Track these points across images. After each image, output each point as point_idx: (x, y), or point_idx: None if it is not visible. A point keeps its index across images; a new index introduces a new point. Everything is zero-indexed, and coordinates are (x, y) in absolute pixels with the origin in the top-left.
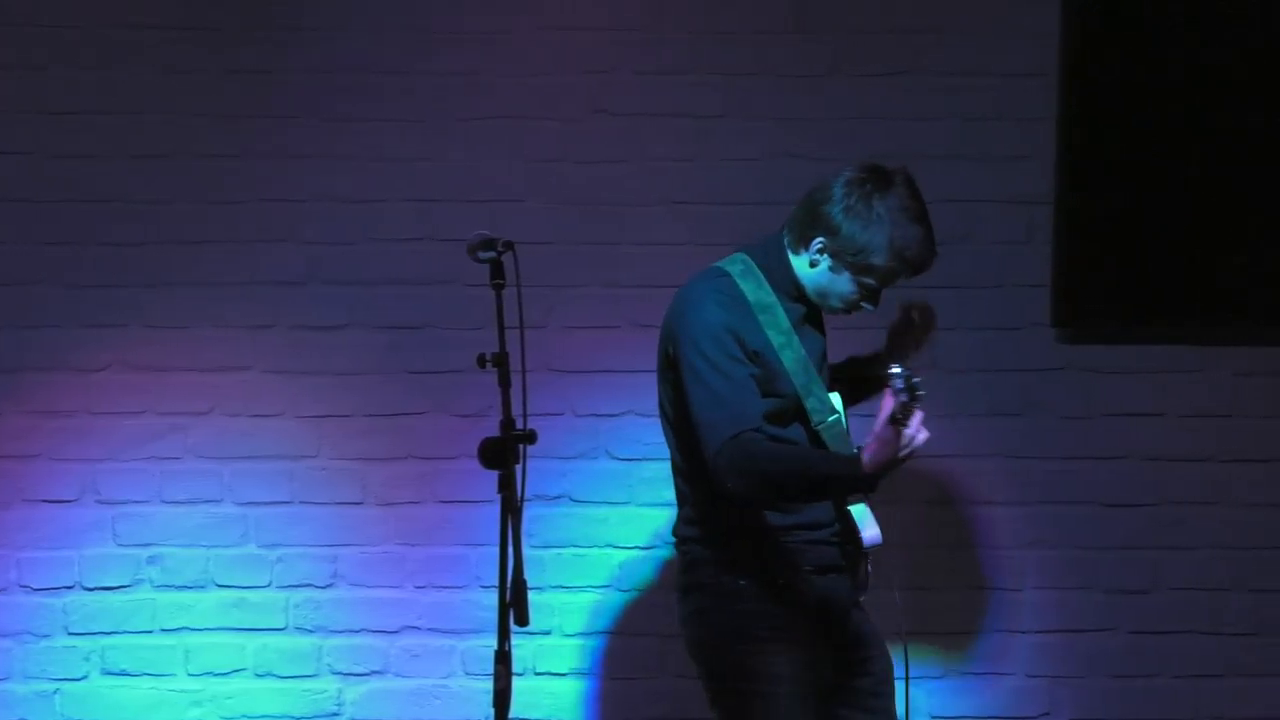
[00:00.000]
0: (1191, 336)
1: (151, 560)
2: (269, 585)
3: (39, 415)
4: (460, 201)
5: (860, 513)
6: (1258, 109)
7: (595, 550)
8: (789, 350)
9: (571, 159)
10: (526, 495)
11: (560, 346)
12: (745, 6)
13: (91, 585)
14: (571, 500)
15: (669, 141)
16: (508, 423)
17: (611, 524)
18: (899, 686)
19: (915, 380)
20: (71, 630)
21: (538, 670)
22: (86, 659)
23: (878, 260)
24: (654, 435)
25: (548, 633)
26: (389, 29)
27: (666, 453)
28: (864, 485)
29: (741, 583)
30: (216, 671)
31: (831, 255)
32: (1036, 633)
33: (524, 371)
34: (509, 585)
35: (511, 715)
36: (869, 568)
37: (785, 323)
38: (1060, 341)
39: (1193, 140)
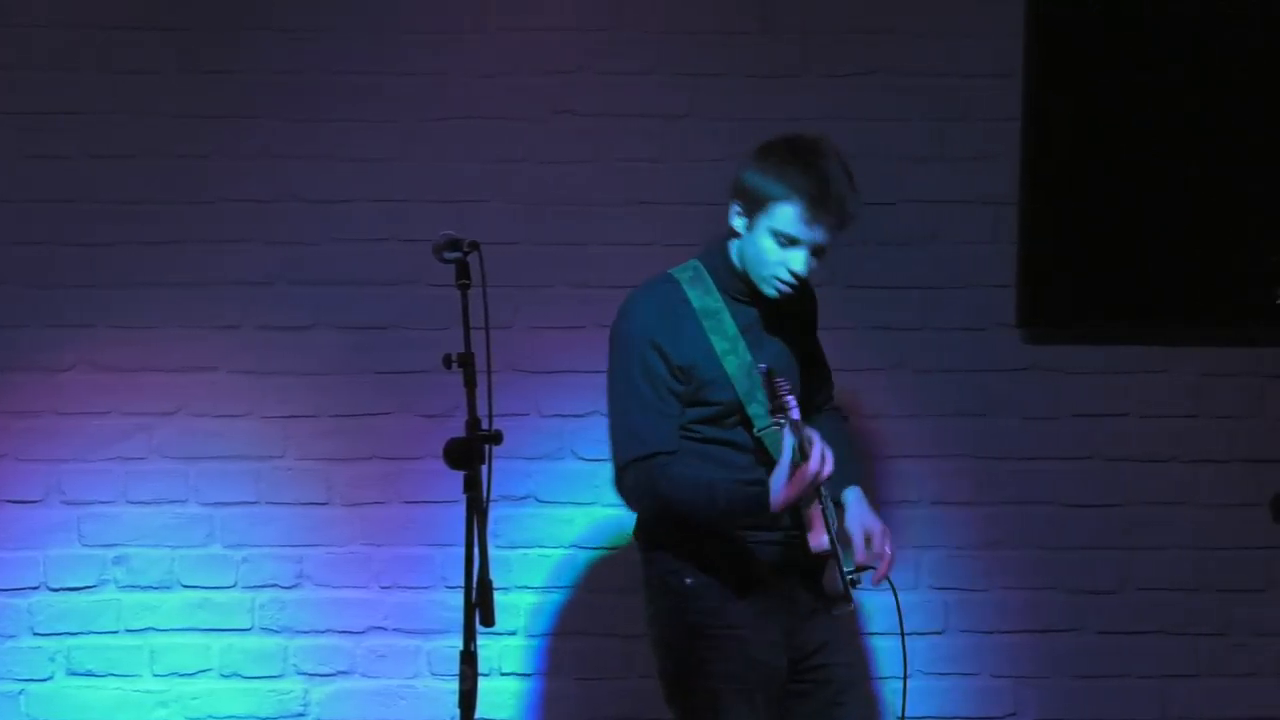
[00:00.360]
0: (1156, 337)
1: (117, 561)
2: (234, 586)
3: (4, 415)
4: (426, 202)
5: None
6: (1222, 108)
7: (560, 551)
8: (733, 357)
9: (536, 159)
10: (492, 496)
11: (526, 347)
12: (711, 7)
13: (57, 586)
14: (537, 501)
15: (635, 142)
16: (473, 423)
17: (577, 524)
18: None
19: (797, 428)
20: (37, 631)
21: (503, 671)
22: (52, 659)
23: (781, 200)
24: None
25: (513, 633)
26: (356, 30)
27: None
28: (770, 518)
29: (688, 581)
30: (182, 672)
31: (745, 215)
32: (1002, 633)
33: (490, 372)
34: (474, 585)
35: (477, 716)
36: (844, 575)
37: (732, 329)
38: (1025, 342)
39: (1157, 140)
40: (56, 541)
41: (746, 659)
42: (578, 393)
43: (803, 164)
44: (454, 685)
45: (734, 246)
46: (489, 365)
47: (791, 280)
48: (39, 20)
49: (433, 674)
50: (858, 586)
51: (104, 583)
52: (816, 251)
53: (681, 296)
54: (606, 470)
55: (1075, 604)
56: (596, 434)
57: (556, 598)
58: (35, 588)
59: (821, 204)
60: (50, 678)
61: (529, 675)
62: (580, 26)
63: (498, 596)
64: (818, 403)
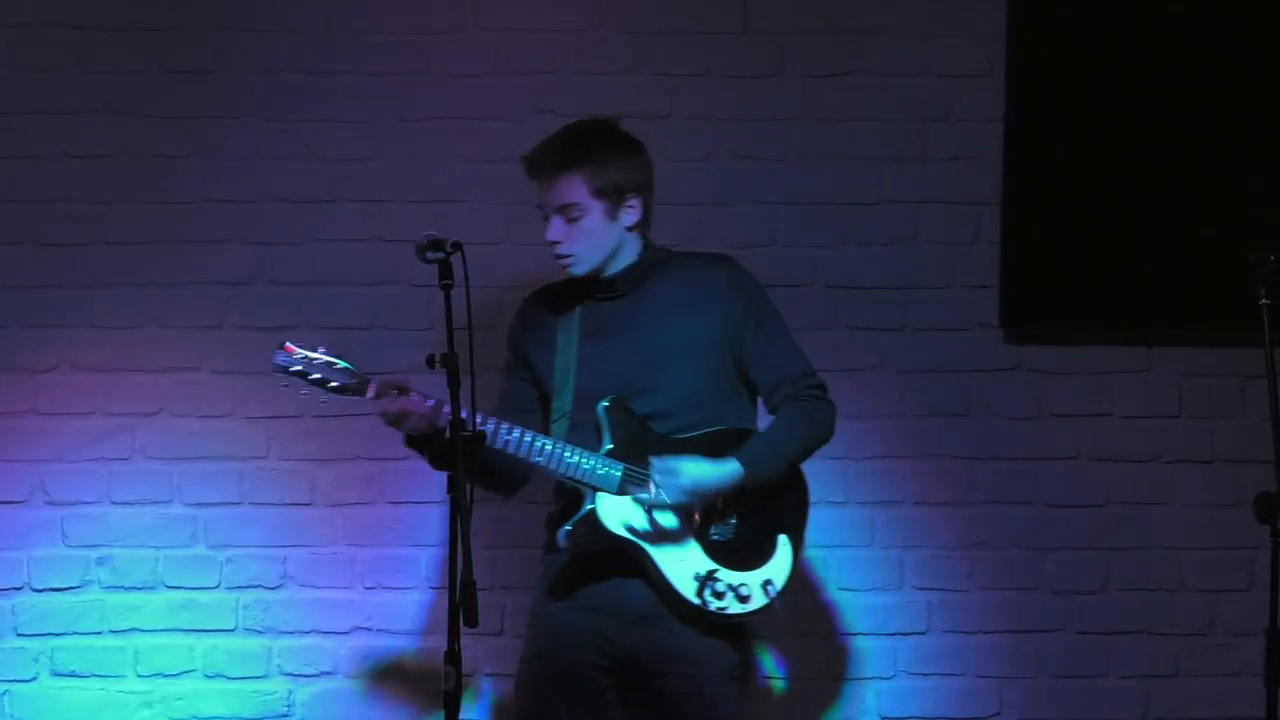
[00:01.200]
0: (1138, 337)
1: (100, 561)
2: (218, 586)
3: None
4: (407, 202)
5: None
6: (1203, 108)
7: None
8: (563, 355)
9: (517, 159)
10: (476, 496)
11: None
12: (692, 7)
13: (40, 586)
14: (523, 500)
15: None
16: (457, 424)
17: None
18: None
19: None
20: (20, 631)
21: (488, 671)
22: (35, 660)
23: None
24: None
25: (498, 633)
26: (335, 29)
27: None
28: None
29: (541, 568)
30: (166, 673)
31: None
32: (986, 633)
33: (473, 372)
34: (458, 586)
35: (461, 716)
36: (696, 584)
37: (575, 329)
38: (1007, 342)
39: (1138, 141)
40: (40, 542)
41: (545, 651)
42: None
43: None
44: (438, 686)
45: None
46: (472, 365)
47: (557, 251)
48: (14, 20)
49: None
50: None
51: (88, 583)
52: (562, 211)
53: (556, 296)
54: None
55: (1058, 604)
56: None
57: None
58: (19, 588)
59: (531, 160)
60: (34, 678)
61: (513, 676)
62: (561, 27)
63: (482, 596)
64: (772, 404)
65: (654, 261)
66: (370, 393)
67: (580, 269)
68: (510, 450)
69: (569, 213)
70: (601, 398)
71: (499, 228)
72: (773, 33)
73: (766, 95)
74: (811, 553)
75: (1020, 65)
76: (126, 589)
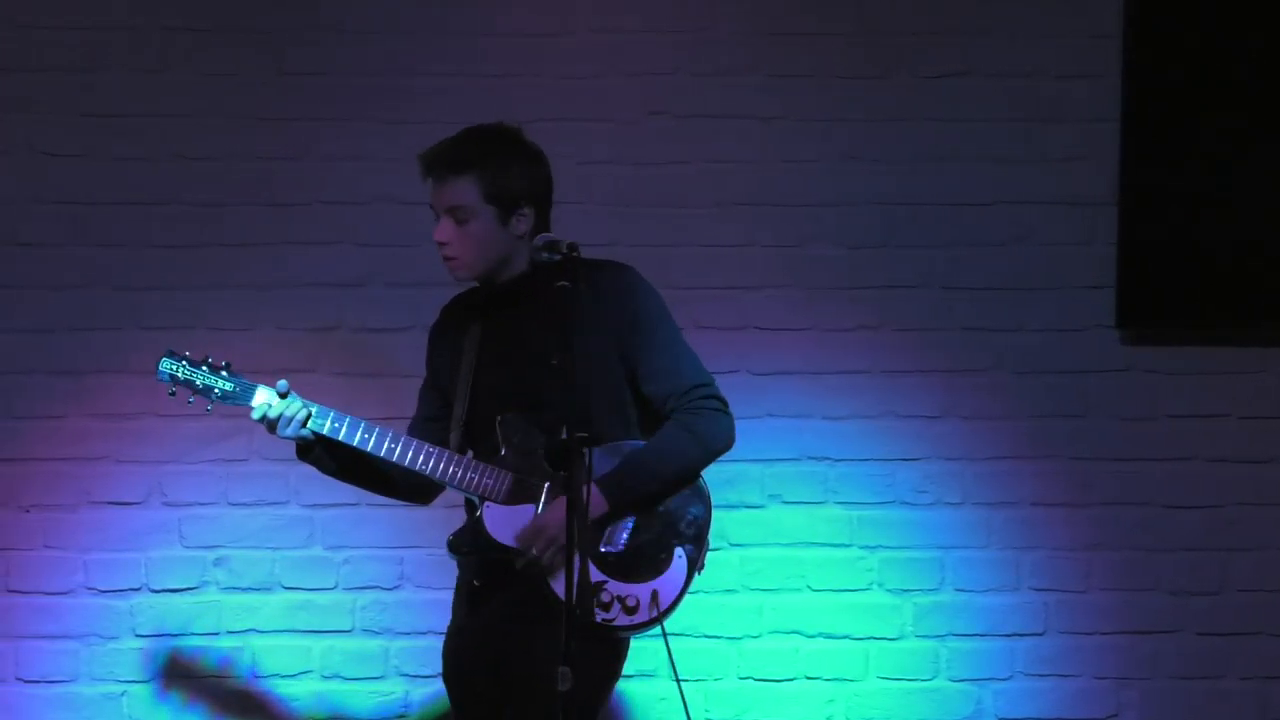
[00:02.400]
0: (1255, 337)
1: (218, 562)
2: (335, 587)
3: (103, 418)
4: None
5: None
6: None
7: None
8: (464, 360)
9: (629, 161)
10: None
11: None
12: (805, 8)
13: (158, 587)
14: None
15: (727, 143)
16: (573, 425)
17: None
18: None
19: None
20: (138, 632)
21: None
22: (153, 660)
23: None
24: None
25: None
26: (445, 31)
27: (731, 454)
28: None
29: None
30: (283, 674)
31: None
32: (1102, 634)
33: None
34: (574, 587)
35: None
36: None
37: (476, 335)
38: (1123, 343)
39: (1257, 139)
40: (157, 543)
41: (450, 657)
42: None
43: None
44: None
45: None
46: (590, 367)
47: (442, 252)
48: (128, 23)
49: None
50: None
51: (205, 584)
52: (451, 213)
53: (466, 302)
54: (707, 471)
55: (1175, 605)
56: None
57: None
58: (136, 589)
59: (424, 161)
60: (152, 679)
61: (630, 676)
62: (673, 28)
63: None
64: (664, 417)
65: (549, 271)
66: (255, 399)
67: (465, 273)
68: (394, 459)
69: (458, 215)
70: (495, 407)
71: (611, 229)
72: (886, 33)
73: (880, 96)
74: (928, 554)
75: (1135, 64)
76: (243, 590)
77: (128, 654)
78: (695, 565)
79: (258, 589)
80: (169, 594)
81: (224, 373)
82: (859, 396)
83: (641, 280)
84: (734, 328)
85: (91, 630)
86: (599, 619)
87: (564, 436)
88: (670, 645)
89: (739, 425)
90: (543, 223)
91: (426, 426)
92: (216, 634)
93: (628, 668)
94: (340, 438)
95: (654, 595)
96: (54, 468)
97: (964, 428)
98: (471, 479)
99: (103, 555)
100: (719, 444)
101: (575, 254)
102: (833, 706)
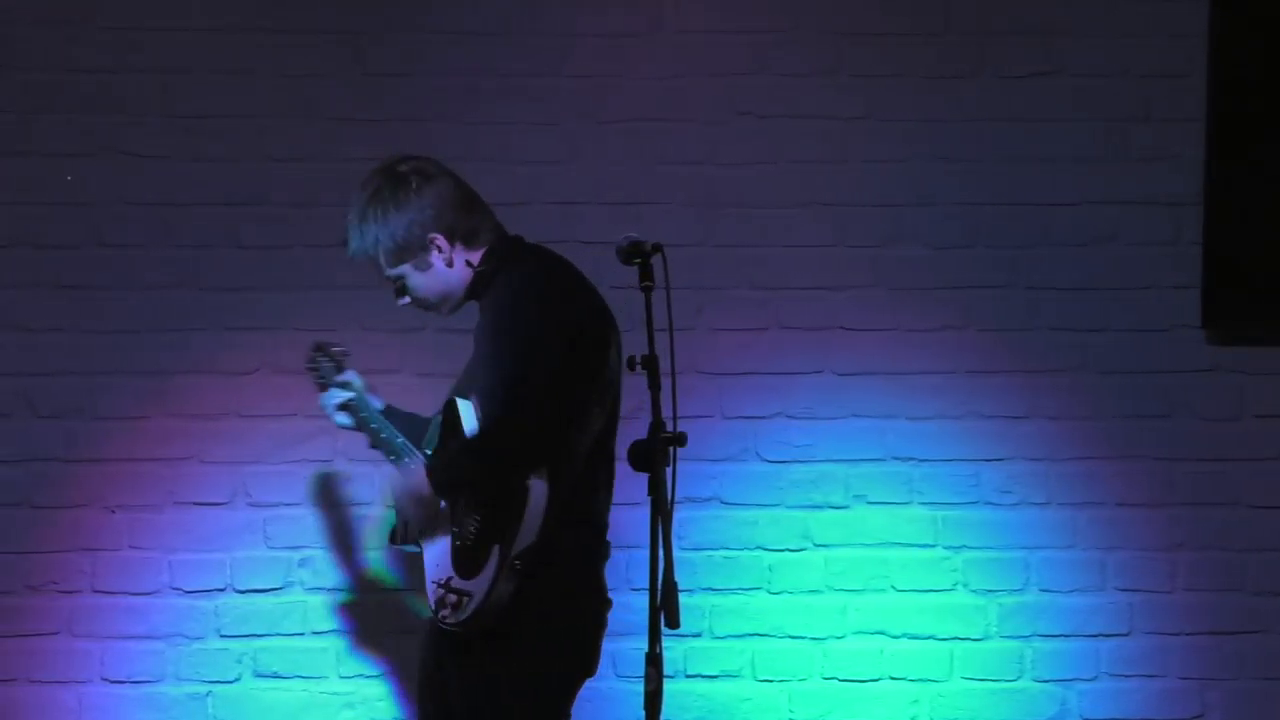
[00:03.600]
0: None
1: (303, 563)
2: (412, 588)
3: (188, 419)
4: (603, 204)
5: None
6: None
7: (745, 552)
8: None
9: (715, 161)
10: (676, 497)
11: (709, 348)
12: (890, 8)
13: (243, 588)
14: (721, 502)
15: (813, 143)
16: (657, 425)
17: (761, 526)
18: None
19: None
20: (223, 632)
21: (688, 672)
22: (238, 661)
23: None
24: (804, 437)
25: (698, 635)
26: (529, 32)
27: (817, 455)
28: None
29: None
30: (368, 674)
31: None
32: (1187, 634)
33: (673, 374)
34: (659, 587)
35: (662, 717)
36: (439, 594)
37: None
38: (1208, 343)
39: None
40: (242, 543)
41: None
42: (761, 394)
43: None
44: (639, 687)
45: None
46: (673, 367)
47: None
48: (211, 24)
49: (618, 676)
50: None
51: (290, 584)
52: (392, 283)
53: None
54: (790, 471)
55: (1261, 606)
56: (781, 435)
57: (741, 599)
58: (221, 589)
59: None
60: (237, 679)
61: (714, 677)
62: (758, 28)
63: (682, 598)
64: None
65: (493, 272)
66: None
67: (446, 312)
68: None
69: (395, 284)
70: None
71: (698, 229)
72: (971, 33)
73: (965, 96)
74: (1013, 554)
75: (1222, 64)
76: (328, 590)
77: (213, 654)
78: (504, 566)
79: (342, 590)
80: (254, 594)
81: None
82: (943, 397)
83: (527, 296)
84: (818, 328)
85: (177, 631)
86: (440, 615)
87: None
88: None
89: (823, 425)
90: (467, 231)
91: None
92: (301, 634)
93: (711, 668)
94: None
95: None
96: (139, 468)
97: (1048, 428)
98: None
99: (188, 556)
100: (490, 473)
101: (659, 255)
102: (917, 707)
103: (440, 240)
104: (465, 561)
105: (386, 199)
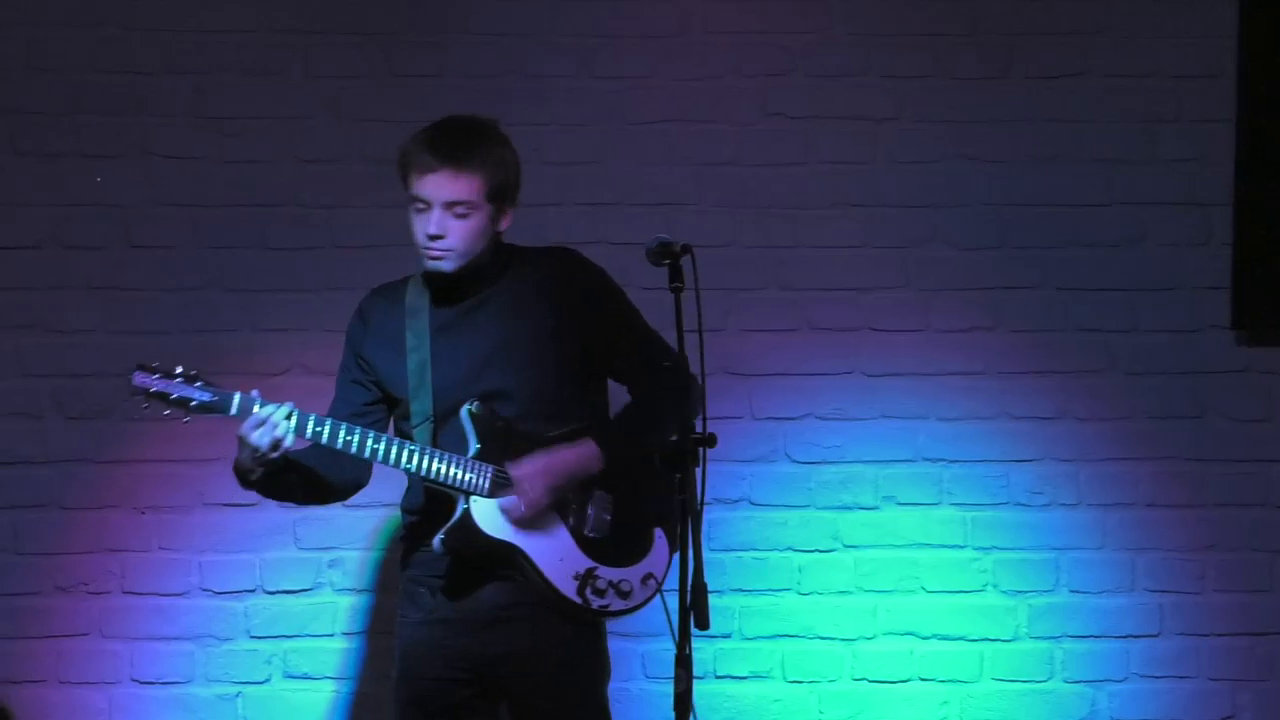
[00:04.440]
0: None
1: (332, 564)
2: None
3: (218, 420)
4: (633, 205)
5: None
6: None
7: (775, 553)
8: (415, 354)
9: (745, 162)
10: (706, 498)
11: (739, 349)
12: (920, 9)
13: (273, 589)
14: (751, 503)
15: (843, 144)
16: (688, 426)
17: (791, 527)
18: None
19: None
20: (253, 633)
21: (718, 673)
22: (268, 662)
23: (403, 168)
24: (833, 438)
25: (728, 636)
26: (560, 33)
27: (847, 455)
28: (241, 481)
29: (400, 592)
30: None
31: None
32: (1218, 636)
33: (703, 374)
34: (689, 588)
35: (692, 718)
36: (538, 577)
37: (425, 328)
38: (1238, 344)
39: None
40: (272, 545)
41: (404, 674)
42: (790, 395)
43: (423, 128)
44: (668, 688)
45: None
46: (702, 368)
47: (433, 245)
48: (241, 26)
49: (647, 677)
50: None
51: (319, 585)
52: (453, 207)
53: (399, 294)
54: (820, 473)
55: None
56: (810, 436)
57: (771, 600)
58: (251, 590)
59: (430, 152)
60: (267, 680)
61: (744, 678)
62: (789, 29)
63: (711, 599)
64: (629, 385)
65: (504, 261)
66: (234, 409)
67: (451, 266)
68: (380, 459)
69: (456, 210)
70: (459, 398)
71: (728, 230)
72: (1001, 34)
73: (995, 97)
74: (1043, 555)
75: (1252, 64)
76: (358, 591)
77: (242, 655)
78: (674, 543)
79: (372, 590)
80: (284, 595)
81: (199, 383)
82: (973, 398)
83: (591, 261)
84: (849, 328)
85: (206, 632)
86: (595, 606)
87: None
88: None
89: (853, 426)
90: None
91: (351, 421)
92: (331, 635)
93: (741, 669)
94: (324, 441)
95: (646, 577)
96: (168, 469)
97: (1079, 429)
98: (457, 475)
99: (217, 557)
100: (689, 407)
101: (688, 256)
102: (947, 708)
103: (510, 212)
104: (616, 551)
105: (510, 143)
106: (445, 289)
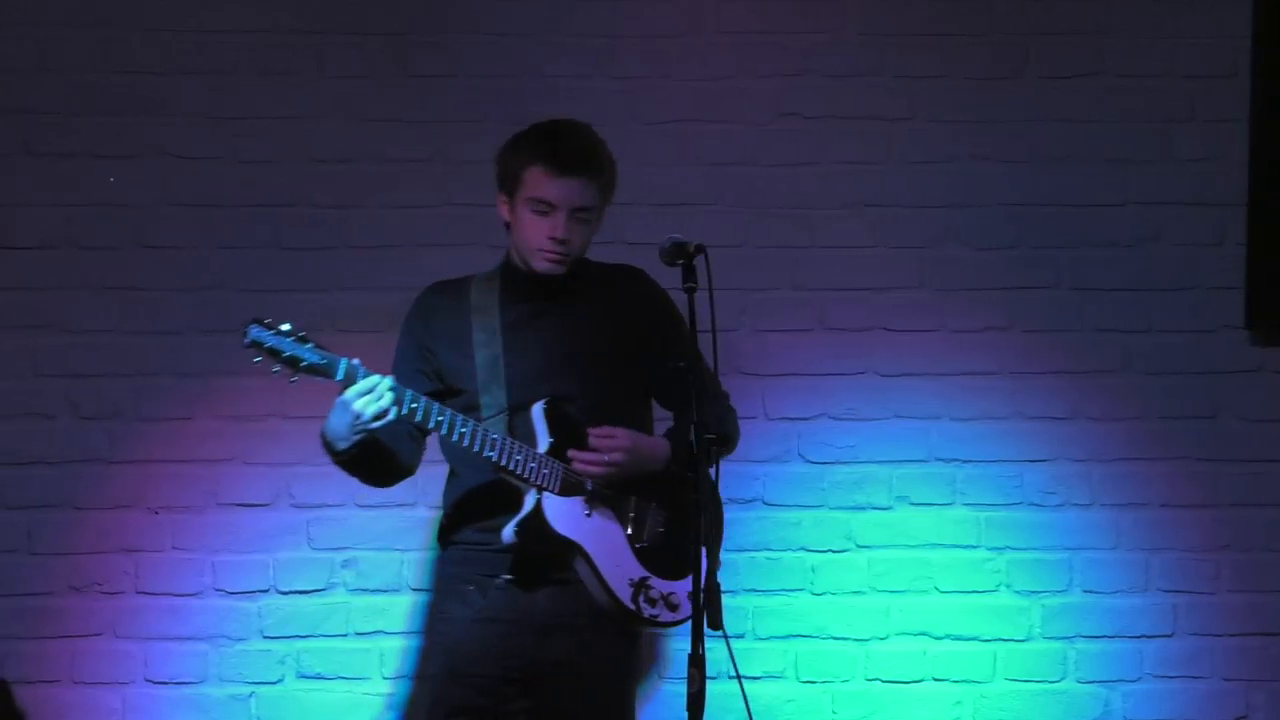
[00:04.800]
0: None
1: (346, 564)
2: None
3: (232, 419)
4: (648, 205)
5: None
6: None
7: (788, 553)
8: (485, 350)
9: (760, 162)
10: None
11: (752, 349)
12: (934, 9)
13: (286, 589)
14: (764, 503)
15: (856, 144)
16: (701, 425)
17: (805, 527)
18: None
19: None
20: (266, 633)
21: (731, 674)
22: (281, 662)
23: (520, 168)
24: (847, 438)
25: (741, 636)
26: (574, 33)
27: (860, 456)
28: (327, 450)
29: (439, 590)
30: (410, 675)
31: (506, 200)
32: (1232, 636)
33: (717, 374)
34: (702, 589)
35: (705, 718)
36: (605, 582)
37: (494, 325)
38: (1253, 344)
39: None
40: (285, 544)
41: (449, 666)
42: (804, 395)
43: (541, 131)
44: (682, 688)
45: (511, 247)
46: (716, 368)
47: (556, 248)
48: (256, 26)
49: (660, 677)
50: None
51: (333, 586)
52: (577, 212)
53: (463, 292)
54: (833, 473)
55: None
56: (824, 436)
57: (784, 600)
58: (265, 590)
59: (563, 158)
60: (280, 680)
61: (758, 678)
62: (802, 29)
63: (725, 599)
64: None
65: (579, 269)
66: (340, 373)
67: (564, 269)
68: (464, 444)
69: (580, 214)
70: (530, 395)
71: (742, 230)
72: (1015, 34)
73: (1009, 97)
74: (1056, 555)
75: (1266, 65)
76: (371, 591)
77: (256, 655)
78: (714, 564)
79: (385, 591)
80: (297, 595)
81: (309, 344)
82: (987, 398)
83: (652, 279)
84: (862, 329)
85: (219, 632)
86: (646, 615)
87: (693, 439)
88: (731, 645)
89: (867, 426)
90: None
91: None
92: (344, 635)
93: (754, 669)
94: (418, 418)
95: (689, 592)
96: (182, 469)
97: (1092, 429)
98: (534, 468)
99: (231, 557)
100: (737, 438)
101: (702, 256)
102: (960, 708)
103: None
104: (667, 563)
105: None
106: (517, 288)
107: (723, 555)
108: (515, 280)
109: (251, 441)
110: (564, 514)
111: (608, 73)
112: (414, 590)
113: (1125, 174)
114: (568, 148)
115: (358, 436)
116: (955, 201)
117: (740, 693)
